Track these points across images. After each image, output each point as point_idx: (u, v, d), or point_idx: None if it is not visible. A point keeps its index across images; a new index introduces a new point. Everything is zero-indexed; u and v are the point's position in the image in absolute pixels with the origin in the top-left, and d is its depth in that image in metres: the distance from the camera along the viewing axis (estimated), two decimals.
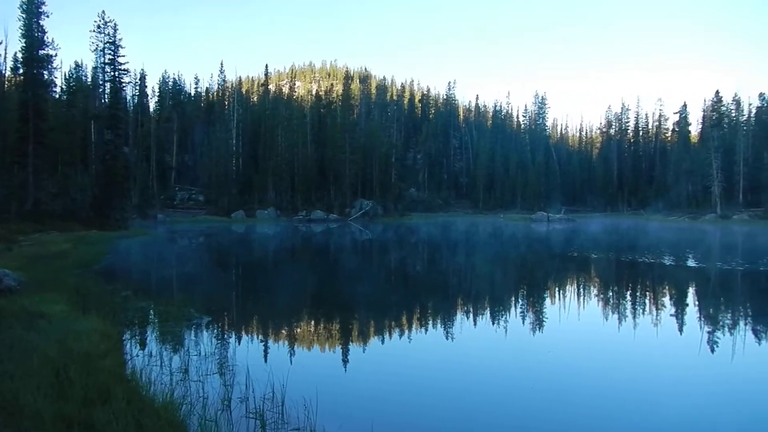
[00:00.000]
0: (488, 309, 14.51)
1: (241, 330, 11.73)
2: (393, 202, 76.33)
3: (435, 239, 42.05)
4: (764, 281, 19.31)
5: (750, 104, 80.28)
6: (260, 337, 11.20)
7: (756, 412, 7.07)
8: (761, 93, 79.63)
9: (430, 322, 12.77)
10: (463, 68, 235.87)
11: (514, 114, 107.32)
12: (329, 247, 36.15)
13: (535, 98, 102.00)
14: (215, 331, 11.20)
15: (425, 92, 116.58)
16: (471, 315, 13.55)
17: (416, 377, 8.47)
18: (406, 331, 11.67)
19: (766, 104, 79.06)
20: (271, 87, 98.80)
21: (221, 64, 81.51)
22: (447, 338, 11.02)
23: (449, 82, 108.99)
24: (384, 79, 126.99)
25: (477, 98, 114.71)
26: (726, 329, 11.78)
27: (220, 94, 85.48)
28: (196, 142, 77.96)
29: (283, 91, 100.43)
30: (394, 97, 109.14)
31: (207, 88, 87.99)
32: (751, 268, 22.04)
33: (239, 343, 10.31)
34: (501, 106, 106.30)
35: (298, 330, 11.95)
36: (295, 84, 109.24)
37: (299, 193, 71.49)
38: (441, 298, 16.57)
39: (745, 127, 76.97)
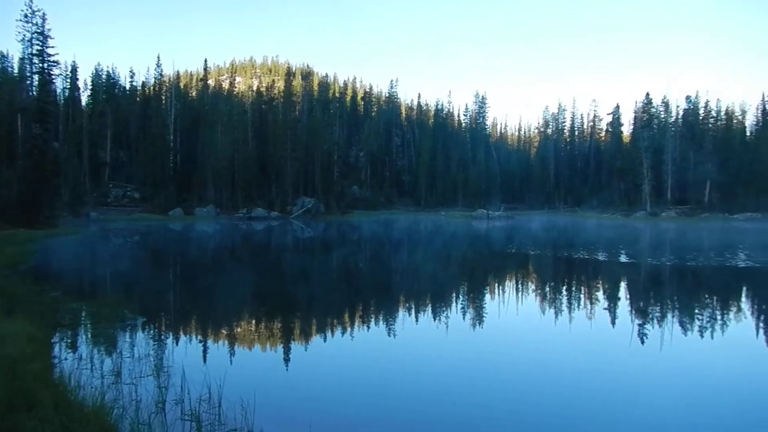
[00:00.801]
0: (429, 306, 14.69)
1: (178, 331, 11.46)
2: (335, 200, 76.04)
3: (377, 237, 42.22)
4: (690, 276, 20.33)
5: (678, 106, 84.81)
6: (198, 337, 10.97)
7: (679, 397, 7.43)
8: (688, 96, 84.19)
9: (372, 321, 12.82)
10: (405, 67, 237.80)
11: (456, 113, 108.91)
12: (270, 245, 35.76)
13: (476, 98, 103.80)
14: (150, 332, 10.90)
15: (367, 90, 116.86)
16: (412, 312, 13.68)
17: (356, 376, 8.50)
18: (348, 330, 11.68)
19: (692, 107, 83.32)
20: (211, 82, 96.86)
21: (158, 57, 78.15)
22: (389, 335, 11.08)
23: (391, 81, 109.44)
24: (326, 76, 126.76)
25: (419, 97, 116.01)
26: (655, 321, 12.35)
27: (156, 89, 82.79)
28: (131, 137, 75.37)
29: (223, 86, 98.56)
30: (337, 95, 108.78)
31: (143, 82, 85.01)
32: (678, 264, 23.22)
33: (177, 344, 10.07)
34: (442, 105, 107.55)
35: (238, 330, 11.77)
36: (235, 79, 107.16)
37: (240, 190, 70.22)
38: (382, 296, 16.66)
39: (673, 129, 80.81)
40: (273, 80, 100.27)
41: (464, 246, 34.36)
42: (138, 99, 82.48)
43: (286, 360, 9.25)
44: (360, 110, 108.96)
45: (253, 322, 12.67)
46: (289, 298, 15.75)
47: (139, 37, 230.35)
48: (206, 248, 32.86)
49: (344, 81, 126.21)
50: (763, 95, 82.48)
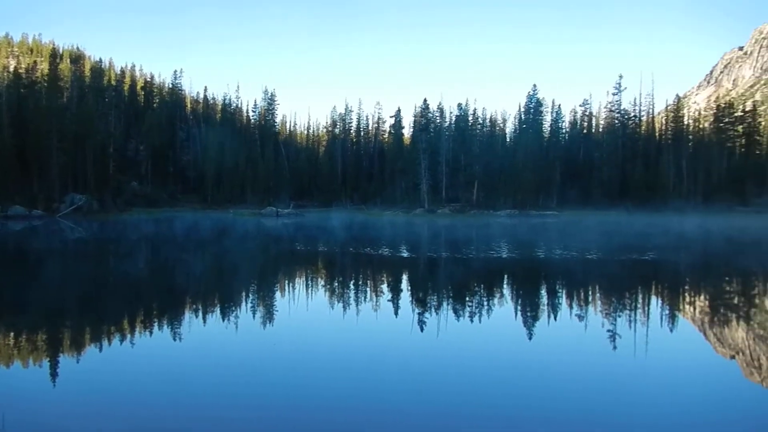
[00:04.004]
0: (217, 307, 14.12)
1: None
2: (111, 197, 70.03)
3: (158, 236, 39.76)
4: (462, 266, 22.35)
5: (451, 113, 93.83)
6: None
7: (456, 373, 8.06)
8: (459, 103, 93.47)
9: (154, 326, 11.92)
10: (191, 58, 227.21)
11: (244, 109, 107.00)
12: (29, 248, 31.63)
13: (265, 94, 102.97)
14: None
15: (149, 79, 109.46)
16: (199, 314, 13.02)
17: (130, 384, 7.79)
18: (120, 340, 10.69)
19: (462, 113, 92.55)
20: None
21: None
22: (175, 339, 10.37)
23: (175, 71, 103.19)
24: (100, 61, 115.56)
25: (205, 90, 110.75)
26: (432, 309, 13.33)
27: None
28: None
29: None
30: (113, 82, 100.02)
31: None
32: (452, 256, 25.52)
33: None
34: (230, 100, 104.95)
35: None
36: None
37: None
38: (162, 298, 15.65)
39: (447, 133, 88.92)
40: (35, 62, 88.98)
41: (250, 244, 33.89)
42: None
43: (55, 374, 8.14)
44: (140, 101, 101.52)
45: (12, 335, 10.99)
46: (51, 307, 13.99)
47: None
48: None
49: (122, 68, 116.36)
50: (519, 106, 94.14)
